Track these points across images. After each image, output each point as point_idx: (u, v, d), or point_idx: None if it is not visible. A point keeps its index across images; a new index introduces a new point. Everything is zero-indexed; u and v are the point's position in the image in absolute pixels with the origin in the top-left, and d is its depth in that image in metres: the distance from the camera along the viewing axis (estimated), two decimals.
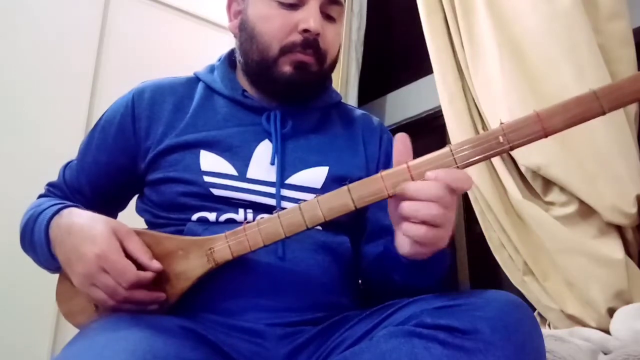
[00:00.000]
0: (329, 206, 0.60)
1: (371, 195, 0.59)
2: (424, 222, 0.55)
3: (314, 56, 0.77)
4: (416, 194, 0.56)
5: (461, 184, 0.56)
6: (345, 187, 0.60)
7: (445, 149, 0.58)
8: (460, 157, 0.57)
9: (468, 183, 0.56)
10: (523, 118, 0.56)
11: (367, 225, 0.82)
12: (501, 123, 0.57)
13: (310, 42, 0.76)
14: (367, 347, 0.55)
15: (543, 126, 0.55)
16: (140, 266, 0.63)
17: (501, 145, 0.56)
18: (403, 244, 0.59)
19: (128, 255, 0.63)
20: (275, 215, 0.63)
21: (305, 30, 0.75)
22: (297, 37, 0.75)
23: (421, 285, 0.65)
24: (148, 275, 0.63)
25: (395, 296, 0.64)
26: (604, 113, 0.54)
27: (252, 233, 0.63)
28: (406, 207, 0.56)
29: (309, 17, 0.75)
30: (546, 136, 0.56)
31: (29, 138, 1.60)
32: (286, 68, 0.76)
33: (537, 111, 0.56)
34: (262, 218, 0.71)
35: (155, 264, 0.64)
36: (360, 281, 0.83)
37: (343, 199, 0.59)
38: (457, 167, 0.57)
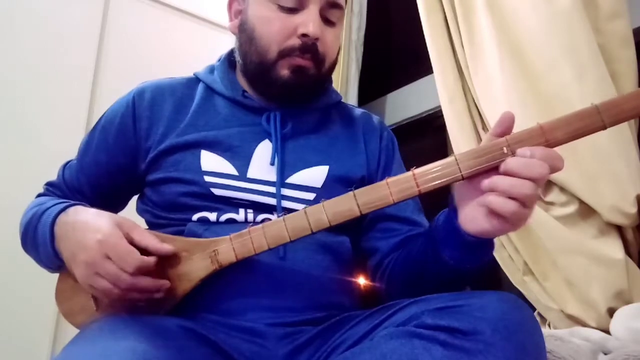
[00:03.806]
0: (335, 211, 0.61)
1: (376, 201, 0.60)
2: (515, 199, 0.55)
3: (312, 60, 0.76)
4: (519, 171, 0.55)
5: (557, 163, 0.56)
6: (351, 193, 0.61)
7: (451, 158, 0.59)
8: (464, 166, 0.58)
9: (562, 162, 0.56)
10: (527, 130, 0.57)
11: (375, 222, 0.82)
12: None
13: (309, 47, 0.75)
14: (368, 348, 0.55)
15: (546, 138, 0.56)
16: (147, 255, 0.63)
17: (505, 156, 0.57)
18: (478, 218, 0.59)
19: (136, 247, 0.63)
20: (280, 218, 0.63)
21: (304, 35, 0.75)
22: (295, 42, 0.75)
23: (470, 267, 0.65)
24: (152, 259, 0.63)
25: (423, 288, 0.64)
26: (604, 128, 0.56)
27: (257, 236, 0.63)
28: (501, 181, 0.55)
29: (309, 22, 0.74)
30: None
31: (29, 138, 1.60)
32: (284, 72, 0.76)
33: (541, 124, 0.57)
34: (266, 220, 0.71)
35: (167, 247, 0.64)
36: (377, 279, 0.81)
37: (349, 205, 0.60)
38: (462, 176, 0.58)
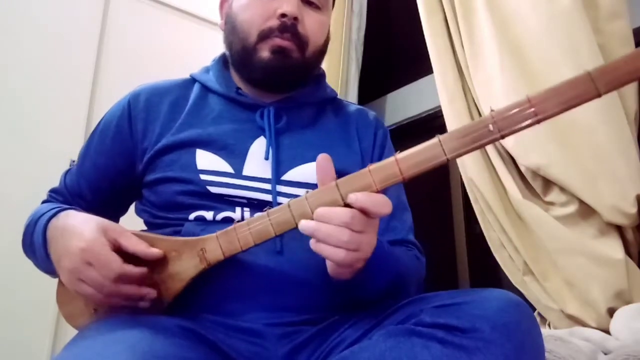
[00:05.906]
0: (318, 203, 0.59)
1: (359, 190, 0.57)
2: (338, 246, 0.56)
3: (293, 41, 0.77)
4: (327, 219, 0.56)
5: (380, 209, 0.56)
6: (333, 183, 0.59)
7: (434, 140, 0.56)
8: (449, 147, 0.55)
9: (387, 208, 0.56)
10: (514, 104, 0.54)
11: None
12: (491, 110, 0.55)
13: (288, 27, 0.76)
14: (367, 346, 0.55)
15: (535, 111, 0.53)
16: (136, 263, 0.63)
17: (491, 134, 0.54)
18: (328, 265, 0.61)
19: (126, 254, 0.63)
20: (264, 213, 0.62)
21: (283, 15, 0.76)
22: (274, 22, 0.77)
23: (366, 296, 0.67)
24: (135, 270, 0.62)
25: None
26: (599, 95, 0.52)
27: (243, 232, 0.62)
28: (320, 231, 0.57)
29: (286, 2, 0.76)
30: (539, 122, 0.53)
31: (29, 138, 1.61)
32: (265, 54, 0.77)
33: (529, 96, 0.53)
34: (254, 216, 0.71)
35: (155, 251, 0.64)
36: None
37: (331, 195, 0.58)
38: (447, 158, 0.56)
